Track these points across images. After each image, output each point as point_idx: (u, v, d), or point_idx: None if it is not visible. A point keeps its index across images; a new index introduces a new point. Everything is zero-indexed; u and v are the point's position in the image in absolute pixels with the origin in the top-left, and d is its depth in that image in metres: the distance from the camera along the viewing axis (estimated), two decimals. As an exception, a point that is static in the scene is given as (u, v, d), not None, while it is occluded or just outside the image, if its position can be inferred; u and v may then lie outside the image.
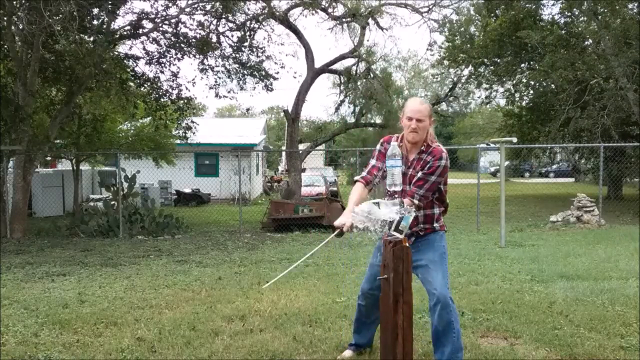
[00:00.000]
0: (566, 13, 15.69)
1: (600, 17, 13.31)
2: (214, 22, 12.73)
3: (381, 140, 3.19)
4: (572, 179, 30.25)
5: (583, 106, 13.81)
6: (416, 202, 2.90)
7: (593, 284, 5.26)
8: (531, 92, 17.85)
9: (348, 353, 3.40)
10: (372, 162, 3.13)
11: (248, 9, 13.93)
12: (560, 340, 3.63)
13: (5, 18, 9.71)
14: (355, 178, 3.12)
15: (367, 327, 3.35)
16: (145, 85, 12.82)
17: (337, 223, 2.81)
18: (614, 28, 12.64)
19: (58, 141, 13.97)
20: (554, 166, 34.37)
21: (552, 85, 15.43)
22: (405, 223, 2.62)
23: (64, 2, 8.24)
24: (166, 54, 12.24)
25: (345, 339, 3.67)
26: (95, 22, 10.70)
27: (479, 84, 19.49)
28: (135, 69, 12.71)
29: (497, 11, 16.64)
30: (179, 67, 16.99)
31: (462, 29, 17.80)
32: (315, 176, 21.75)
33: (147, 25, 11.74)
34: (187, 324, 4.14)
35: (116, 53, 12.31)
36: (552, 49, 13.99)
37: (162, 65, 12.45)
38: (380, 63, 20.72)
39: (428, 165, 2.97)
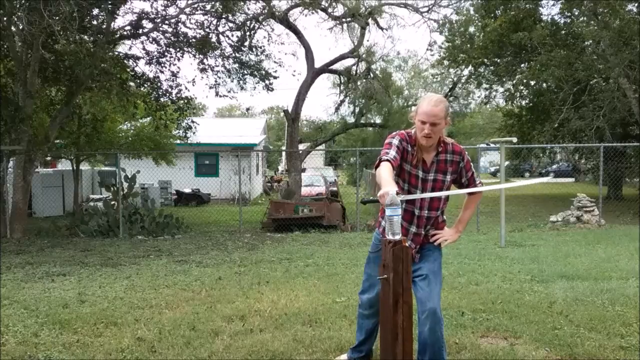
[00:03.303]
0: (566, 13, 15.69)
1: (599, 17, 13.31)
2: (214, 22, 12.74)
3: (400, 138, 2.79)
4: (572, 179, 30.25)
5: (580, 106, 13.82)
6: (482, 191, 2.95)
7: (593, 284, 5.26)
8: (529, 91, 17.87)
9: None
10: (393, 152, 2.70)
11: (248, 9, 13.95)
12: (560, 340, 3.63)
13: (5, 18, 9.71)
14: (385, 158, 2.64)
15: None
16: (145, 85, 12.82)
17: (381, 193, 2.43)
18: (613, 28, 12.64)
19: (58, 141, 13.96)
20: (554, 166, 34.36)
21: (547, 84, 15.45)
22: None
23: (64, 2, 8.24)
24: (166, 53, 12.25)
25: (346, 338, 3.67)
26: (95, 22, 10.69)
27: (479, 84, 19.51)
28: (135, 69, 12.72)
29: (497, 11, 16.64)
30: (179, 67, 17.02)
31: (462, 29, 17.81)
32: (315, 176, 21.75)
33: (147, 25, 11.74)
34: (187, 324, 4.14)
35: (116, 53, 12.31)
36: (550, 48, 14.00)
37: (162, 65, 12.45)
38: (380, 63, 20.75)
39: (460, 165, 2.88)
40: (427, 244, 2.93)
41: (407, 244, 2.51)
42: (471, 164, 2.93)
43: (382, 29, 17.40)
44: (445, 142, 2.84)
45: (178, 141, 15.55)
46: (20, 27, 9.66)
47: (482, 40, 16.61)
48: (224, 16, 12.69)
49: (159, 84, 12.72)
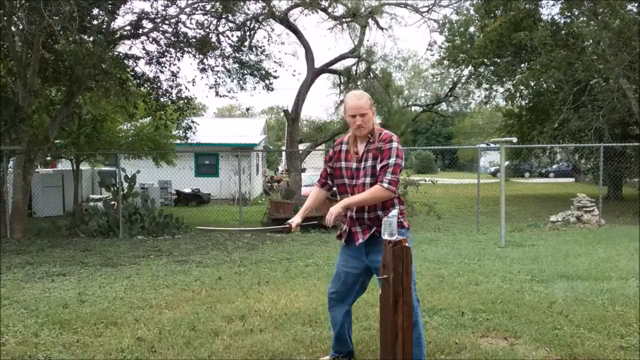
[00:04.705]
0: (566, 13, 15.69)
1: (599, 17, 13.31)
2: (214, 22, 12.74)
3: (333, 149, 3.22)
4: (572, 179, 30.25)
5: (580, 107, 13.82)
6: (385, 185, 2.86)
7: (593, 284, 5.26)
8: (529, 91, 17.86)
9: None
10: (324, 165, 3.18)
11: (248, 9, 13.94)
12: (560, 340, 3.63)
13: (5, 18, 9.70)
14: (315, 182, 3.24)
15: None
16: (145, 85, 12.82)
17: (290, 221, 3.20)
18: (613, 29, 12.64)
19: (58, 141, 13.95)
20: (554, 166, 34.37)
21: (546, 85, 15.41)
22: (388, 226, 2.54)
23: (64, 2, 8.23)
24: (166, 53, 12.24)
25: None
26: (95, 22, 10.69)
27: (479, 84, 19.52)
28: (135, 69, 12.72)
29: (497, 12, 16.64)
30: (178, 67, 17.02)
31: (462, 29, 17.82)
32: (315, 176, 21.70)
33: (147, 25, 11.74)
34: (187, 324, 4.14)
35: (116, 53, 12.30)
36: (550, 48, 14.00)
37: (162, 65, 12.45)
38: (380, 63, 20.75)
39: (381, 149, 2.93)
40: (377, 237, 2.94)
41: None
42: (393, 153, 2.91)
43: (382, 28, 17.42)
44: (375, 132, 3.00)
45: (178, 141, 15.54)
46: (20, 27, 9.66)
47: (482, 40, 16.61)
48: (224, 16, 12.68)
49: (159, 84, 12.72)
